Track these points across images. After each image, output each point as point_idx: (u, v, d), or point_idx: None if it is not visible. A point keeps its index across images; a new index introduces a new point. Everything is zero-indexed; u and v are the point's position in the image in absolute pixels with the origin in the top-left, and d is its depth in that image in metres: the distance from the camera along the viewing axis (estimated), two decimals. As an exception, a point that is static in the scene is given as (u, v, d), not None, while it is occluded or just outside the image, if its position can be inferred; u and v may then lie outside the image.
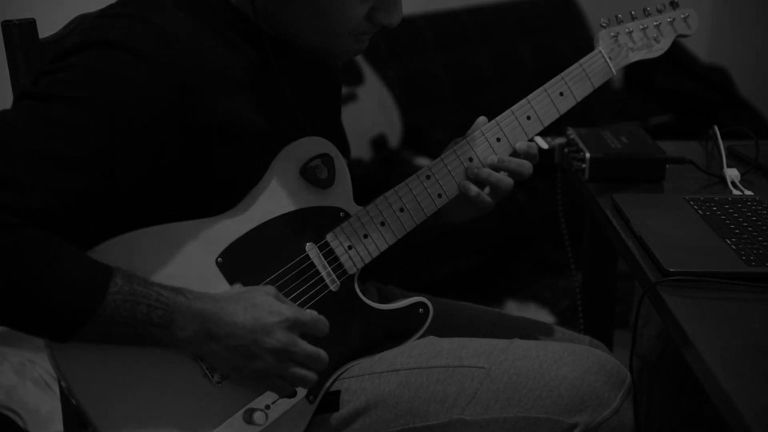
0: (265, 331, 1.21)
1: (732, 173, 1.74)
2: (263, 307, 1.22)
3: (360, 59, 3.17)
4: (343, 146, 1.50)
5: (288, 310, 1.23)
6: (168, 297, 1.18)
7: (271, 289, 1.26)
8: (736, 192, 1.69)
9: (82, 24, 1.42)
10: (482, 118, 1.44)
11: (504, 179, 1.41)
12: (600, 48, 1.51)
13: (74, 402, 1.19)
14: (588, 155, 1.74)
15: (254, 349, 1.21)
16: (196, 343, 1.20)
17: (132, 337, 1.18)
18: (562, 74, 1.48)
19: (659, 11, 1.57)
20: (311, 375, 1.26)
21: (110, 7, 1.29)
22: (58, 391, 1.60)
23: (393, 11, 1.31)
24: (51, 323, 1.15)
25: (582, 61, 1.49)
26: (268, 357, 1.22)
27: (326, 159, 1.34)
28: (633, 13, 1.55)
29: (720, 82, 3.78)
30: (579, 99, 1.48)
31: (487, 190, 1.42)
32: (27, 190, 1.12)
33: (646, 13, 1.57)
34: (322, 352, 1.26)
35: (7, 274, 1.11)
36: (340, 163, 1.36)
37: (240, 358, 1.22)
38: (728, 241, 1.43)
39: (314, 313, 1.28)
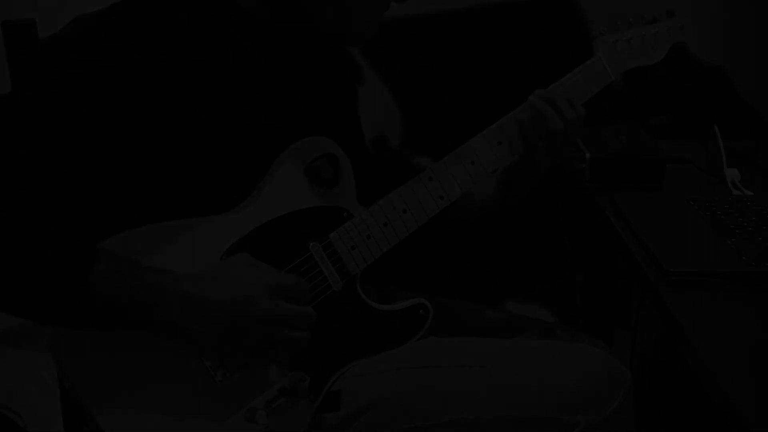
0: (248, 302, 1.20)
1: (732, 173, 1.75)
2: (242, 279, 1.21)
3: (360, 59, 3.17)
4: (361, 147, 1.51)
5: (267, 276, 1.22)
6: (152, 278, 1.17)
7: (244, 256, 1.24)
8: (736, 192, 1.69)
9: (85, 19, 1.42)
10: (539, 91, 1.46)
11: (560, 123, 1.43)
12: (600, 54, 1.52)
13: (76, 401, 1.19)
14: (588, 155, 1.74)
15: (241, 322, 1.20)
16: (180, 324, 1.18)
17: (116, 319, 1.16)
18: (563, 80, 1.48)
19: (656, 20, 1.58)
20: (303, 335, 1.24)
21: (115, 4, 1.30)
22: (58, 391, 1.60)
23: None
24: (34, 302, 1.13)
25: (582, 66, 1.50)
26: (256, 327, 1.21)
27: (331, 159, 1.34)
28: (631, 20, 1.56)
29: (720, 82, 3.77)
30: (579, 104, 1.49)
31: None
32: (16, 175, 1.13)
33: (644, 21, 1.57)
34: (309, 309, 1.24)
35: None
36: (345, 163, 1.36)
37: (228, 335, 1.20)
38: (728, 241, 1.44)
39: (294, 276, 1.27)
